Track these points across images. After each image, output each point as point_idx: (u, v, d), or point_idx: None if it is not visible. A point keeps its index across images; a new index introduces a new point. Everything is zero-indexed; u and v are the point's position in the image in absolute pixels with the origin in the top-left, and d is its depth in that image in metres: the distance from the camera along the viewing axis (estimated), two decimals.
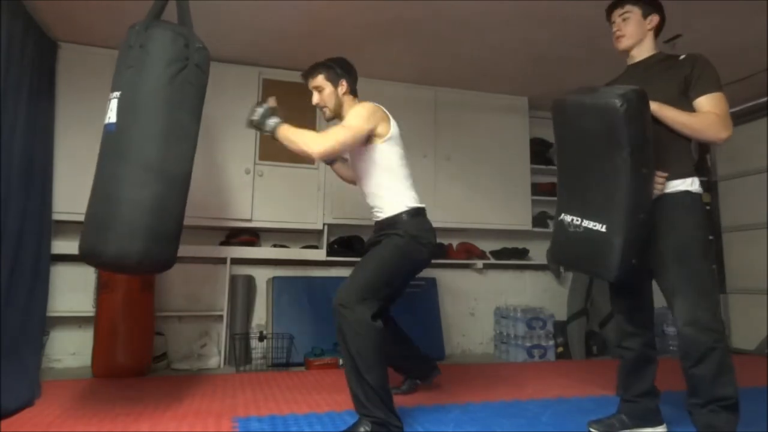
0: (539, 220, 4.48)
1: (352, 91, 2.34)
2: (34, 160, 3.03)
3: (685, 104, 1.96)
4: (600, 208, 1.81)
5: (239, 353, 3.50)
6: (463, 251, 4.31)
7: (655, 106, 1.91)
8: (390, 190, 2.23)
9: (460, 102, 4.26)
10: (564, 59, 3.68)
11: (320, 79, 2.30)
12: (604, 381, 3.11)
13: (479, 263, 4.33)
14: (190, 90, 2.08)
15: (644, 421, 2.12)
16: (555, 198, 5.06)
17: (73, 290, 3.48)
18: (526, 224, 4.35)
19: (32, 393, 2.47)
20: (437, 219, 4.15)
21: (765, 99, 3.50)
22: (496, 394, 2.75)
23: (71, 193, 3.32)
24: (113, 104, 2.00)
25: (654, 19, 2.09)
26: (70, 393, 2.63)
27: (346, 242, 3.98)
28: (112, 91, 2.04)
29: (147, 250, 1.94)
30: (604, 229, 1.78)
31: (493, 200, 4.23)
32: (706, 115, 1.91)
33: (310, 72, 2.32)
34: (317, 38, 3.41)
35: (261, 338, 3.56)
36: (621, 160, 1.74)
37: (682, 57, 2.03)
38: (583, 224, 1.85)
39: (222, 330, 3.65)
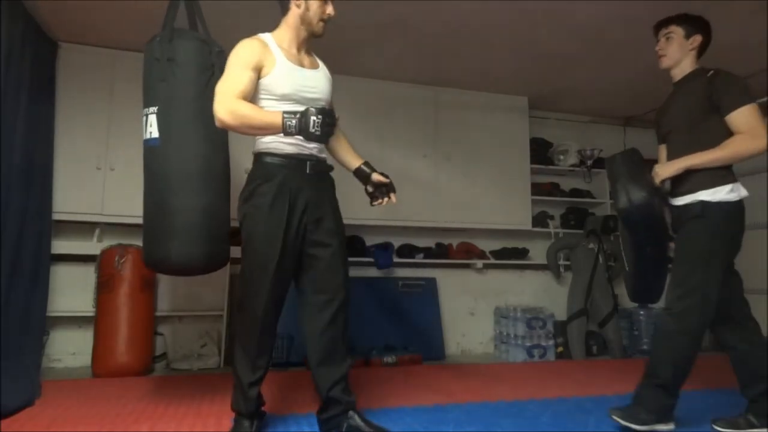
0: (539, 219, 4.48)
1: None
2: (34, 160, 3.03)
3: (715, 120, 2.01)
4: (625, 255, 2.39)
5: None
6: (463, 251, 4.31)
7: (670, 169, 2.06)
8: None
9: (460, 102, 4.26)
10: (564, 59, 3.68)
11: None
12: (603, 381, 3.11)
13: (479, 263, 4.33)
14: None
15: None
16: (554, 198, 5.02)
17: (73, 290, 3.47)
18: (526, 224, 4.35)
19: (32, 393, 2.47)
20: (437, 219, 4.20)
21: (765, 99, 3.50)
22: (496, 394, 2.75)
23: (71, 193, 3.33)
24: (152, 119, 2.12)
25: (696, 39, 2.13)
26: (70, 393, 2.63)
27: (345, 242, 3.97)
28: (147, 106, 2.15)
29: (208, 251, 2.17)
30: (627, 269, 2.39)
31: (493, 200, 4.23)
32: (732, 142, 1.97)
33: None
34: (316, 38, 3.40)
35: None
36: (629, 240, 2.29)
37: (710, 73, 2.06)
38: (623, 255, 2.42)
39: (222, 330, 3.65)
